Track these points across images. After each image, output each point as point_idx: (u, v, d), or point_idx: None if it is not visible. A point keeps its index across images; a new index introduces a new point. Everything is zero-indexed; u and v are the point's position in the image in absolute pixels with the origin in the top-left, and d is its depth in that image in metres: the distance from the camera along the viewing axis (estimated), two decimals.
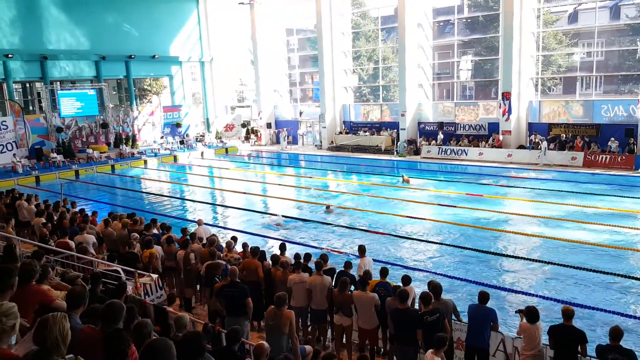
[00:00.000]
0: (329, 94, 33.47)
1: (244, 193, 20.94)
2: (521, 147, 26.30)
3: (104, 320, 4.15)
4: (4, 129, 27.25)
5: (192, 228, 12.63)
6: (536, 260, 12.05)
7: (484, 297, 6.80)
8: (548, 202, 17.21)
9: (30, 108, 30.53)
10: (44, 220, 11.77)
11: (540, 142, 24.97)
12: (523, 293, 10.28)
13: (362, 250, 9.22)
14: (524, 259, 12.28)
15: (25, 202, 14.15)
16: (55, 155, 28.07)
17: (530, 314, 6.31)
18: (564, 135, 25.07)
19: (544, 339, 6.37)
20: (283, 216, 16.45)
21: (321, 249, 12.85)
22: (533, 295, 10.11)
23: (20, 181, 24.16)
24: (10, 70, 27.85)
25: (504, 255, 12.64)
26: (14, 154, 26.85)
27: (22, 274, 4.53)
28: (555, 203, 17.04)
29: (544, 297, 9.92)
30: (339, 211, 17.39)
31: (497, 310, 7.03)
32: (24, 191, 16.98)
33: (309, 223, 16.16)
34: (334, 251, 12.96)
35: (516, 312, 7.13)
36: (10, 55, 27.48)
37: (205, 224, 16.00)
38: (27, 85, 30.81)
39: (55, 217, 12.35)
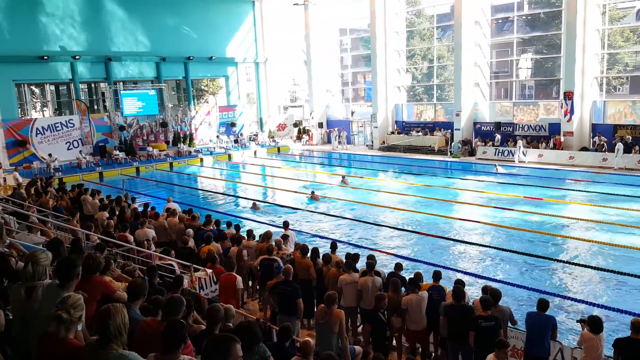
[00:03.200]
0: (381, 93, 33.24)
1: (295, 192, 21.13)
2: (584, 149, 25.18)
3: (164, 313, 4.32)
4: (70, 127, 28.76)
5: (246, 226, 12.86)
6: (598, 268, 11.50)
7: (543, 304, 6.56)
8: (612, 207, 16.40)
9: (95, 107, 32.00)
10: (107, 215, 12.31)
11: (604, 144, 23.97)
12: (583, 302, 9.84)
13: (286, 225, 11.09)
14: (586, 266, 11.75)
15: (89, 197, 14.85)
16: (118, 152, 29.32)
17: (594, 324, 6.03)
18: (630, 137, 23.81)
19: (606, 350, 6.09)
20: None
21: (370, 249, 12.79)
22: (593, 304, 9.65)
23: (85, 177, 25.36)
24: (77, 71, 29.30)
25: (563, 261, 12.13)
26: (80, 151, 28.27)
27: (87, 266, 4.75)
28: (620, 208, 16.20)
29: (605, 307, 9.44)
30: (391, 212, 17.28)
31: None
32: (89, 186, 17.82)
33: (359, 224, 16.14)
34: (382, 252, 12.87)
35: (578, 321, 6.85)
36: (77, 57, 28.93)
37: (255, 220, 16.40)
38: (93, 85, 32.29)
39: (117, 212, 12.88)
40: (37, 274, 3.99)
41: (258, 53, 38.36)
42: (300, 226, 15.84)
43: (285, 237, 10.32)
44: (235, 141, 35.00)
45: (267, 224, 15.78)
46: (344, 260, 8.50)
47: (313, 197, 19.34)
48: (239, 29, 37.12)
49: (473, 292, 8.91)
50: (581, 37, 24.78)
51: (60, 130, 28.35)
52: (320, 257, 9.01)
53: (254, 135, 37.05)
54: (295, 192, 21.14)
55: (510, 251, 12.84)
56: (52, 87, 31.07)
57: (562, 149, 25.41)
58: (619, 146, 23.04)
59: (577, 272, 11.57)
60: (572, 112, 25.15)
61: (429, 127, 32.09)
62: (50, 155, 26.76)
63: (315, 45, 36.80)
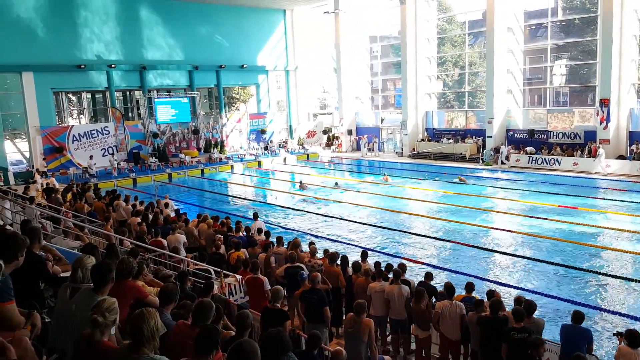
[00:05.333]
0: (411, 100, 33.05)
1: (324, 199, 21.15)
2: (621, 157, 24.48)
3: (194, 318, 4.38)
4: (106, 134, 29.53)
5: (281, 233, 12.92)
6: (636, 280, 11.12)
7: (578, 316, 6.39)
8: None
9: (130, 115, 32.75)
10: (139, 220, 12.55)
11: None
12: (620, 314, 9.53)
13: (255, 215, 13.21)
14: (622, 278, 11.38)
15: (122, 202, 15.18)
16: (153, 159, 29.90)
17: (632, 338, 5.83)
18: None
19: None
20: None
21: (400, 258, 12.68)
22: (632, 317, 9.34)
23: (119, 183, 25.95)
24: (112, 80, 30.11)
25: (599, 272, 11.78)
26: (112, 154, 28.98)
27: (120, 271, 4.86)
28: None
29: None
30: (412, 219, 17.12)
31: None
32: (123, 192, 18.21)
33: (384, 230, 16.06)
34: (413, 261, 12.75)
35: (614, 334, 6.64)
36: (113, 66, 29.74)
37: (287, 228, 16.47)
38: (128, 93, 33.08)
39: (150, 217, 13.12)
40: (85, 278, 4.23)
41: (288, 61, 38.70)
42: (329, 233, 15.87)
43: (312, 244, 10.33)
44: (265, 148, 35.31)
45: (296, 231, 15.85)
46: (373, 269, 8.45)
47: (301, 187, 21.42)
48: (270, 37, 37.56)
49: (505, 302, 8.72)
50: (617, 43, 24.17)
51: (96, 137, 29.13)
52: (350, 265, 8.98)
53: (284, 142, 37.32)
54: (325, 199, 21.16)
55: (544, 261, 12.54)
56: (89, 95, 31.94)
57: (597, 157, 24.75)
58: (600, 151, 23.82)
59: (613, 283, 11.23)
60: (608, 119, 24.50)
61: (460, 134, 31.71)
62: (91, 157, 27.54)
63: (345, 53, 36.86)
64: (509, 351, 6.22)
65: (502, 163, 27.35)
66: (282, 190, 24.59)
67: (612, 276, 11.52)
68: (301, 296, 7.65)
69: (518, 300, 7.25)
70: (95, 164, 27.24)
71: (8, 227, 9.22)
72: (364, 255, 9.46)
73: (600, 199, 19.30)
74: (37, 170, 25.48)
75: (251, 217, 17.98)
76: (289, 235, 13.92)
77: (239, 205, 21.35)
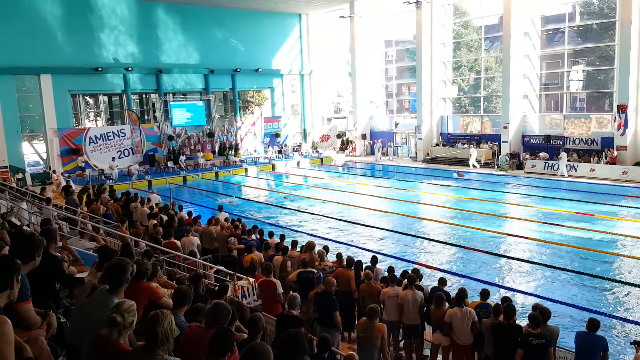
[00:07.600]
0: (426, 105, 32.93)
1: (337, 203, 21.12)
2: (638, 164, 24.11)
3: (208, 320, 4.39)
4: (122, 136, 29.85)
5: (291, 236, 12.93)
6: None
7: (594, 324, 6.30)
8: None
9: (146, 117, 33.08)
10: (155, 222, 12.65)
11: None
12: (637, 323, 9.38)
13: (220, 208, 14.66)
14: (639, 285, 11.20)
15: (138, 204, 15.32)
16: (182, 158, 30.31)
17: None
18: None
19: None
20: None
21: (413, 263, 12.62)
22: None
23: (134, 185, 26.18)
24: (129, 83, 30.45)
25: (615, 280, 11.61)
26: (137, 162, 29.39)
27: (135, 272, 4.88)
28: None
29: None
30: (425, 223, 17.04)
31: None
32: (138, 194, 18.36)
33: (397, 235, 15.99)
34: (426, 266, 12.68)
35: (632, 343, 6.54)
36: (129, 69, 30.09)
37: (297, 230, 16.48)
38: (144, 96, 33.42)
39: (165, 219, 13.21)
40: None
41: (303, 65, 38.81)
42: (340, 237, 15.85)
43: (326, 248, 10.31)
44: (279, 151, 35.40)
45: (308, 234, 15.84)
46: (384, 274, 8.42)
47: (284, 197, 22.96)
48: (285, 41, 37.72)
49: (520, 310, 8.63)
50: (636, 48, 23.86)
51: (112, 139, 29.46)
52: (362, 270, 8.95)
53: (298, 146, 37.40)
54: (338, 202, 21.14)
55: (560, 268, 12.39)
56: (105, 98, 32.33)
57: (615, 164, 24.43)
58: (562, 155, 25.09)
59: (630, 291, 11.05)
60: (625, 125, 24.18)
61: (475, 139, 31.49)
62: (113, 159, 27.98)
63: (360, 57, 36.87)
64: (526, 357, 6.15)
65: (473, 166, 28.80)
66: (295, 193, 24.63)
67: (630, 284, 11.36)
68: (314, 298, 7.66)
69: (535, 306, 7.19)
70: (117, 166, 27.64)
71: (25, 227, 9.37)
72: (374, 260, 9.43)
73: (617, 205, 19.02)
74: (53, 171, 25.83)
75: (256, 219, 18.13)
76: (298, 237, 13.91)
77: (253, 208, 21.40)
